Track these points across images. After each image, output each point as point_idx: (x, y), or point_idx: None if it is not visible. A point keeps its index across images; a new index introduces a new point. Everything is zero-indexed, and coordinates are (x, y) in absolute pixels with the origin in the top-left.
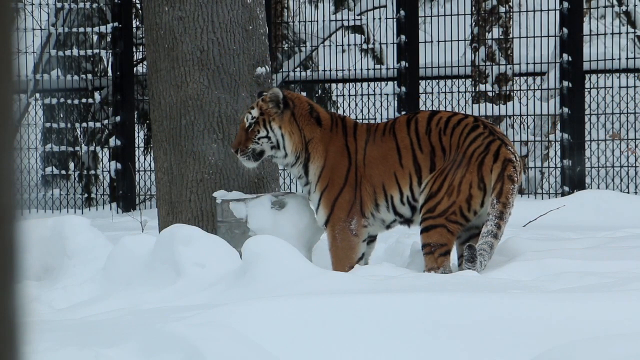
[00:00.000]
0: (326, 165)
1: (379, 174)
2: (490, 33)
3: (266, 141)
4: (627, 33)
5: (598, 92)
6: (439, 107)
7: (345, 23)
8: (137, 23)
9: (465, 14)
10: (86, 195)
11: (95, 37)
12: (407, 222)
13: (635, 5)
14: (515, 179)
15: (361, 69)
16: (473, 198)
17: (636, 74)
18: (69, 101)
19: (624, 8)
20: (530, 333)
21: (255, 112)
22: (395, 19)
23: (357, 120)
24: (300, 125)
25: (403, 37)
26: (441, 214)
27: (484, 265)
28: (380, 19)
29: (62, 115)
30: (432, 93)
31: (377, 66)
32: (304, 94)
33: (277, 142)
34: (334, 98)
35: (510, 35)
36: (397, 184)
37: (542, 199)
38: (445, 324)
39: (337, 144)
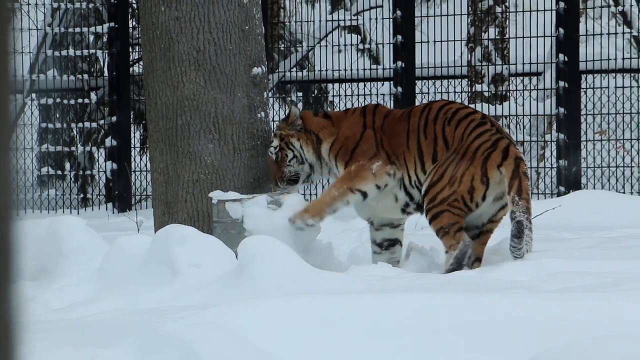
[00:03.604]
0: (337, 138)
1: (393, 148)
2: (487, 33)
3: (295, 161)
4: (623, 33)
5: (594, 93)
6: None
7: (342, 23)
8: (134, 23)
9: (461, 14)
10: (82, 195)
11: (91, 37)
12: (420, 208)
13: (631, 6)
14: (528, 176)
15: (357, 69)
16: (475, 190)
17: (632, 74)
18: (65, 101)
19: (620, 8)
20: (529, 333)
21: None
22: (391, 19)
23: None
24: (308, 128)
25: (399, 37)
26: (442, 201)
27: (528, 251)
28: (376, 19)
29: (58, 116)
30: (428, 93)
31: (374, 66)
32: (300, 94)
33: (299, 155)
34: (330, 98)
35: (507, 36)
36: (406, 165)
37: (538, 199)
38: (443, 324)
39: (350, 121)
